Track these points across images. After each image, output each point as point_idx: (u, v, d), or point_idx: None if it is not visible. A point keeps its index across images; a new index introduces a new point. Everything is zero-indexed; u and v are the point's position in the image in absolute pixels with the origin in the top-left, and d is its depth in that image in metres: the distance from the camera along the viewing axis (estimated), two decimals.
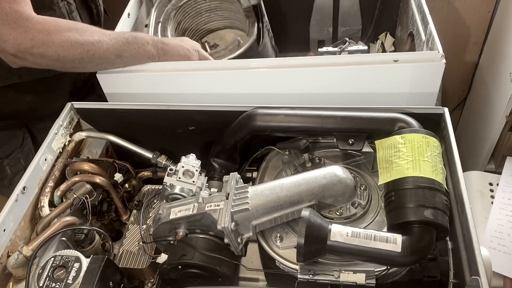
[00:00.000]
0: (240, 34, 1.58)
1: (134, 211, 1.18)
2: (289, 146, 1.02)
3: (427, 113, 1.02)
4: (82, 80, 1.43)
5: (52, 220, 1.02)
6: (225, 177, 0.93)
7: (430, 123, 0.99)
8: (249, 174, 1.12)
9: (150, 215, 1.16)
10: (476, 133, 1.95)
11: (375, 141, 0.94)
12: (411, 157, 0.86)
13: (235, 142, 1.05)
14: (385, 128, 0.94)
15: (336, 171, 0.90)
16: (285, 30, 1.77)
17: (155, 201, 1.19)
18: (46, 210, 1.03)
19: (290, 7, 1.70)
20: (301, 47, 1.80)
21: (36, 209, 1.05)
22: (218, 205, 0.89)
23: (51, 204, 1.06)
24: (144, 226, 1.11)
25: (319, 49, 1.38)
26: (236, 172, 0.93)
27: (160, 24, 1.48)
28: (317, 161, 1.04)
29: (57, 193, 1.06)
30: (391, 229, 0.83)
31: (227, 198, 0.88)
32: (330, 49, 1.38)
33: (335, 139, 0.97)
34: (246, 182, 0.98)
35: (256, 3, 1.44)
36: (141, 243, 1.08)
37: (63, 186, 1.07)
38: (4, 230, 0.94)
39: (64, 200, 1.06)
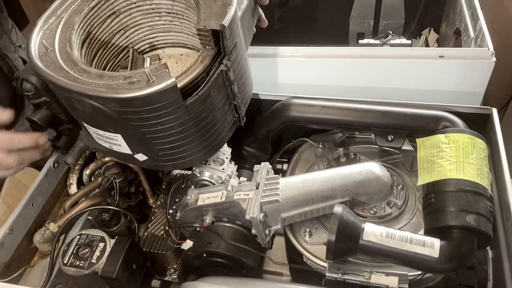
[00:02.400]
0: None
1: (162, 195, 1.17)
2: (324, 139, 0.99)
3: (473, 113, 0.96)
4: None
5: (79, 199, 1.02)
6: (256, 167, 0.90)
7: (476, 124, 0.93)
8: (279, 166, 1.09)
9: (177, 200, 1.14)
10: None
11: (417, 139, 0.89)
12: (455, 158, 0.81)
13: (267, 131, 1.02)
14: (428, 126, 0.89)
15: (373, 168, 0.86)
16: (323, 20, 1.72)
17: (182, 186, 1.18)
18: (74, 188, 1.03)
19: None
20: (339, 39, 1.74)
21: (65, 186, 1.05)
22: (247, 195, 0.86)
23: (80, 182, 1.06)
24: (171, 211, 1.10)
25: (360, 41, 1.33)
26: (268, 163, 0.90)
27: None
28: (352, 156, 1.00)
29: (87, 171, 1.05)
30: (428, 232, 0.78)
31: (257, 188, 0.85)
32: (372, 41, 1.33)
33: (373, 134, 0.92)
34: (276, 174, 0.94)
35: (217, 28, 0.76)
36: (166, 227, 1.06)
37: (92, 165, 1.06)
38: (33, 204, 0.95)
39: (93, 179, 1.06)
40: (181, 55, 1.05)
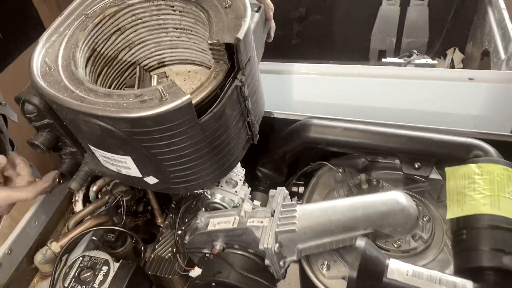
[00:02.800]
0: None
1: (171, 214, 1.11)
2: (345, 164, 0.93)
3: (506, 141, 0.90)
4: None
5: (85, 217, 0.97)
6: (272, 192, 0.85)
7: (509, 154, 0.87)
8: (295, 188, 1.03)
9: (187, 220, 1.09)
10: None
11: (446, 168, 0.82)
12: (489, 191, 0.74)
13: (284, 152, 0.97)
14: (459, 154, 0.83)
15: (398, 198, 0.80)
16: (343, 36, 1.67)
17: (192, 205, 1.12)
18: (80, 205, 0.99)
19: (352, 13, 1.60)
20: (359, 56, 1.69)
21: (70, 203, 1.00)
22: (262, 222, 0.80)
23: (86, 199, 1.02)
24: (180, 232, 1.04)
25: (383, 59, 1.27)
26: (284, 188, 0.84)
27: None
28: (374, 183, 0.94)
29: (93, 188, 1.01)
30: (459, 273, 0.71)
31: (272, 216, 0.80)
32: (395, 60, 1.27)
33: (399, 161, 0.86)
34: (291, 197, 0.89)
35: (232, 42, 0.71)
36: (174, 250, 1.01)
37: (100, 182, 1.01)
38: (36, 222, 0.90)
39: (99, 196, 1.01)
40: (189, 72, 1.01)
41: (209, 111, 0.70)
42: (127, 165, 0.75)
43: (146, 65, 0.99)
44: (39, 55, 0.78)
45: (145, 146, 0.69)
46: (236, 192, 0.90)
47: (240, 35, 0.71)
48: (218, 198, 0.90)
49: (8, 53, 1.85)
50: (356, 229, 0.78)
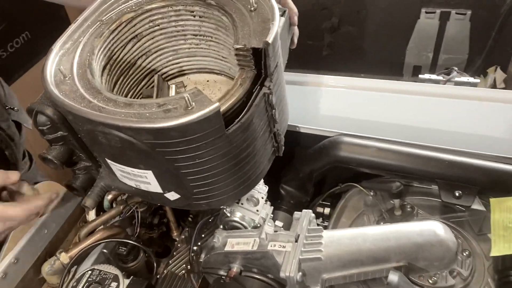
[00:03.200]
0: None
1: (187, 228, 1.06)
2: (377, 187, 0.85)
3: None
4: None
5: (97, 226, 0.93)
6: (296, 214, 0.78)
7: None
8: (319, 209, 0.97)
9: (203, 236, 1.03)
10: None
11: (491, 199, 0.74)
12: None
13: (311, 170, 0.91)
14: (506, 184, 0.75)
15: (436, 229, 0.72)
16: (376, 50, 1.60)
17: (210, 220, 1.06)
18: (92, 214, 0.94)
19: (387, 25, 1.53)
20: (392, 70, 1.61)
21: (82, 211, 0.96)
22: (284, 247, 0.74)
23: (100, 207, 0.97)
24: (195, 248, 0.98)
25: (420, 76, 1.20)
26: (311, 211, 0.77)
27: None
28: (409, 209, 0.86)
29: (108, 197, 0.96)
30: None
31: (296, 241, 0.73)
32: (433, 77, 1.19)
33: (438, 187, 0.78)
34: (316, 217, 0.82)
35: (260, 47, 0.65)
36: (188, 267, 0.95)
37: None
38: (45, 231, 0.85)
39: (114, 205, 0.96)
40: (207, 81, 0.96)
41: (236, 121, 0.65)
42: (147, 180, 0.70)
43: (163, 74, 0.94)
44: (52, 63, 0.73)
45: (168, 159, 0.64)
46: (257, 211, 0.84)
47: (269, 38, 0.65)
48: (237, 216, 0.84)
49: (33, 53, 1.84)
50: (388, 261, 0.71)
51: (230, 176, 0.71)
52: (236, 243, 0.79)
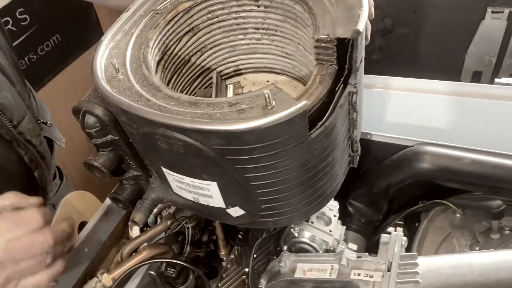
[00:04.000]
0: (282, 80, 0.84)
1: (236, 247, 0.95)
2: (473, 205, 0.73)
3: None
4: None
5: (141, 243, 0.82)
6: (385, 237, 0.66)
7: None
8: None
9: (255, 256, 0.92)
10: None
11: None
12: None
13: (387, 185, 0.79)
14: None
15: None
16: (432, 53, 1.48)
17: (265, 236, 0.95)
18: (136, 230, 0.84)
19: (446, 27, 1.40)
20: (448, 76, 1.48)
21: (126, 226, 0.86)
22: (371, 276, 0.62)
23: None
24: (249, 270, 0.87)
25: (496, 79, 1.07)
26: (402, 233, 0.65)
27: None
28: (506, 232, 0.73)
29: (154, 210, 0.86)
30: None
31: (388, 270, 0.61)
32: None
33: None
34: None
35: (348, 37, 0.56)
36: None
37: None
38: (86, 249, 0.75)
39: (160, 220, 0.86)
40: (267, 81, 0.86)
41: (319, 124, 0.54)
42: (209, 193, 0.59)
43: (219, 72, 0.84)
44: (102, 56, 0.64)
45: (238, 168, 0.53)
46: (330, 231, 0.72)
47: (360, 26, 0.56)
48: (306, 237, 0.73)
49: (63, 57, 1.77)
50: None
51: (304, 190, 0.60)
52: (308, 270, 0.67)
